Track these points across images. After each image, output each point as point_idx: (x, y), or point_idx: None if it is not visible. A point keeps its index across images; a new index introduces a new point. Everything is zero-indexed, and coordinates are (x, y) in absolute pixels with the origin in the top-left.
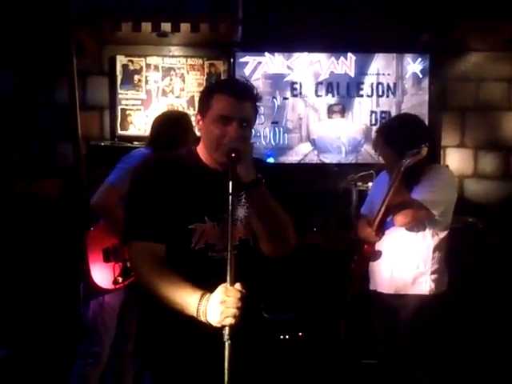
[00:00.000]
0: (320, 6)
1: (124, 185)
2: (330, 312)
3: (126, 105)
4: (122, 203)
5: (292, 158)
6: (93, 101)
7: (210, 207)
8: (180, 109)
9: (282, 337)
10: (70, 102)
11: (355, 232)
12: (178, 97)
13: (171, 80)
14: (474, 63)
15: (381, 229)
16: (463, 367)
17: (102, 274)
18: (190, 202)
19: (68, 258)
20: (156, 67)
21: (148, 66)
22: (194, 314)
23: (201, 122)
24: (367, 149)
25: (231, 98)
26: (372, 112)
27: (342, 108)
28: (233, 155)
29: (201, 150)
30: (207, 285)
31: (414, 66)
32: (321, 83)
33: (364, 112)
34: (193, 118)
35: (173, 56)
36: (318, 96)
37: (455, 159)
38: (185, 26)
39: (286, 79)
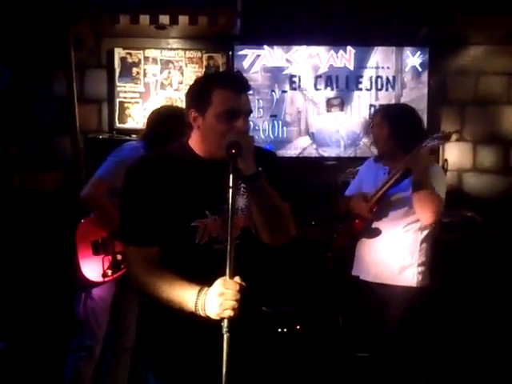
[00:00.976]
0: None
1: (114, 177)
2: (327, 305)
3: (125, 98)
4: (111, 196)
5: (291, 151)
6: (91, 94)
7: (210, 200)
8: (178, 102)
9: (279, 330)
10: (68, 95)
11: (342, 206)
12: (176, 90)
13: (169, 73)
14: (473, 57)
15: (376, 207)
16: (459, 362)
17: (91, 267)
18: (189, 199)
19: (65, 251)
20: (154, 60)
21: (146, 58)
22: (193, 309)
23: (200, 119)
24: (366, 142)
25: (234, 91)
26: (371, 105)
27: (340, 101)
28: (233, 150)
29: (194, 143)
30: (213, 277)
31: (414, 59)
32: (320, 76)
33: (363, 105)
34: None
35: (171, 49)
36: (316, 89)
37: (454, 153)
38: (183, 19)
39: (284, 72)
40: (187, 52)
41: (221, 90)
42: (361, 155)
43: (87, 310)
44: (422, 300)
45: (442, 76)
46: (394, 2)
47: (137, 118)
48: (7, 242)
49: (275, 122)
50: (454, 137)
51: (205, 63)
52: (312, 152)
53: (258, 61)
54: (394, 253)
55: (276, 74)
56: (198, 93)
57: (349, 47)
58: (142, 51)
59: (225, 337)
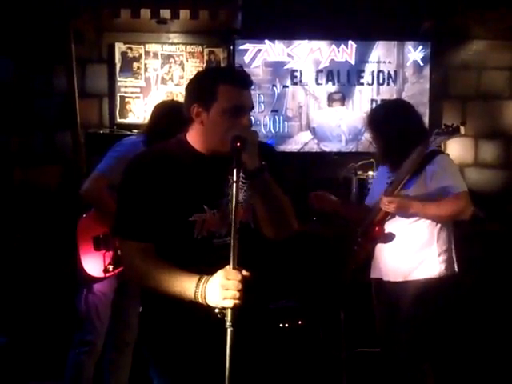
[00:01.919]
0: None
1: (114, 173)
2: (329, 300)
3: (125, 92)
4: (111, 192)
5: (292, 146)
6: (92, 88)
7: (208, 195)
8: (179, 96)
9: (281, 325)
10: (69, 89)
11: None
12: (177, 84)
13: (170, 67)
14: (475, 51)
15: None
16: (464, 357)
17: (93, 263)
18: (187, 194)
19: (67, 246)
20: (155, 55)
21: (147, 53)
22: (192, 298)
23: (204, 115)
24: (367, 137)
25: (239, 87)
26: (372, 100)
27: (342, 96)
28: (238, 143)
29: (193, 138)
30: (212, 272)
31: (415, 53)
32: (321, 71)
33: (364, 100)
34: None
35: (172, 43)
36: (318, 84)
37: (456, 148)
38: (184, 13)
39: (286, 67)
40: (188, 46)
41: (227, 85)
42: (362, 150)
43: (89, 306)
44: (445, 291)
45: (443, 70)
46: None
47: (138, 112)
48: (8, 236)
49: (276, 116)
50: (462, 129)
51: (206, 58)
52: (313, 147)
53: (259, 55)
54: (412, 247)
55: (277, 69)
56: (203, 88)
57: (350, 41)
58: (142, 46)
59: (228, 331)
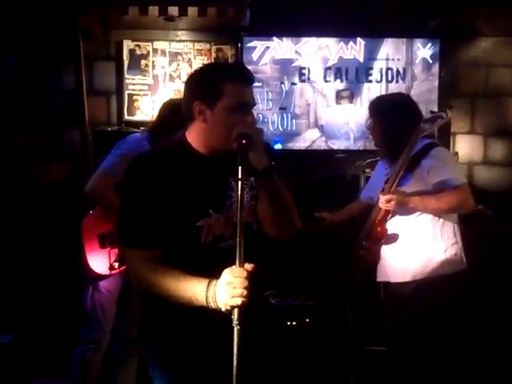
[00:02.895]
0: None
1: (118, 171)
2: (336, 298)
3: (133, 90)
4: (116, 190)
5: (300, 144)
6: (100, 86)
7: (212, 199)
8: None
9: (288, 323)
10: (77, 87)
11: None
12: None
13: (178, 65)
14: (484, 49)
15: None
16: (471, 358)
17: (98, 260)
18: (193, 199)
19: (73, 244)
20: (163, 52)
21: (155, 50)
22: (204, 303)
23: (207, 112)
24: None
25: (244, 84)
26: None
27: (350, 94)
28: (244, 141)
29: (193, 137)
30: (219, 276)
31: (424, 51)
32: (329, 68)
33: (373, 98)
34: None
35: (180, 41)
36: (326, 81)
37: (465, 146)
38: (192, 10)
39: (294, 64)
40: (196, 44)
41: (232, 82)
42: (370, 148)
43: (94, 303)
44: (457, 287)
45: (452, 68)
46: None
47: (145, 110)
48: (15, 234)
49: (284, 114)
50: (449, 112)
51: (214, 55)
52: (321, 145)
53: (267, 53)
54: (416, 245)
55: (285, 66)
56: (206, 85)
57: (359, 39)
58: (150, 43)
59: (235, 329)
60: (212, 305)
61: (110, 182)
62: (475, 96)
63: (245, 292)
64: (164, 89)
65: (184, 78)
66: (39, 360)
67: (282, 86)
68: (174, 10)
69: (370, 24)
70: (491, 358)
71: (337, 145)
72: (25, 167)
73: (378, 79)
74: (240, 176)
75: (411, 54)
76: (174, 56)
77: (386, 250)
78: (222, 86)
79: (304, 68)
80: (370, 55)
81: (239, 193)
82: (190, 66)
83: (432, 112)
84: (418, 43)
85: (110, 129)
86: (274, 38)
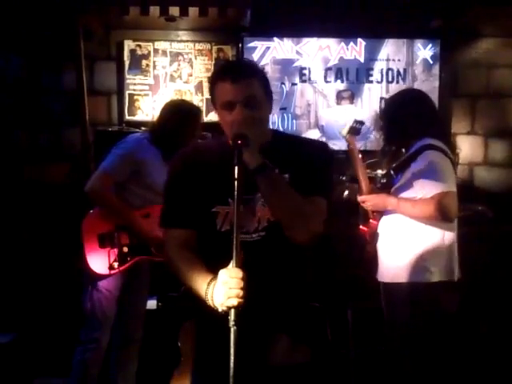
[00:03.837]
0: None
1: (118, 171)
2: (337, 299)
3: (134, 90)
4: (116, 190)
5: None
6: (100, 86)
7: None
8: (188, 94)
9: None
10: (78, 87)
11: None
12: (185, 82)
13: (179, 65)
14: (485, 49)
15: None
16: (471, 357)
17: (98, 260)
18: (213, 186)
19: (73, 243)
20: (164, 52)
21: (156, 50)
22: (204, 299)
23: (216, 113)
24: (376, 136)
25: (227, 82)
26: (381, 98)
27: (351, 94)
28: (239, 141)
29: None
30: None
31: (425, 51)
32: (330, 69)
33: (373, 98)
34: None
35: (181, 41)
36: (326, 82)
37: (465, 146)
38: (193, 11)
39: (294, 65)
40: (197, 44)
41: (220, 82)
42: (371, 149)
43: (94, 302)
44: (436, 298)
45: (453, 69)
46: None
47: (146, 110)
48: (16, 233)
49: (285, 114)
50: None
51: (214, 55)
52: None
53: (267, 53)
54: (400, 247)
55: (286, 67)
56: (210, 88)
57: (359, 39)
58: (151, 43)
59: (232, 330)
60: (210, 303)
61: (110, 181)
62: (476, 97)
63: (241, 293)
64: (165, 89)
65: (185, 78)
66: (39, 360)
67: (283, 86)
68: (174, 10)
69: (370, 24)
70: (491, 358)
71: (337, 145)
72: (25, 167)
73: (379, 80)
74: (236, 176)
75: (412, 54)
76: (175, 56)
77: (379, 248)
78: (214, 86)
79: (305, 68)
80: (371, 56)
81: (236, 193)
82: (191, 66)
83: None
84: (418, 44)
85: (110, 129)
86: (275, 39)
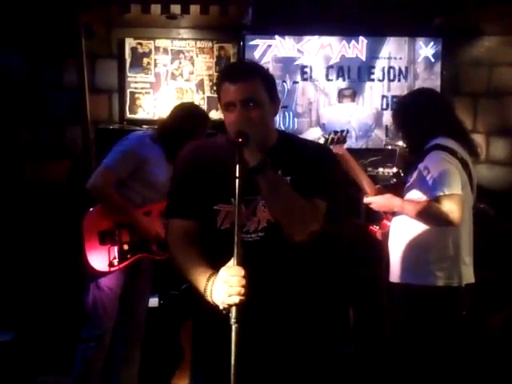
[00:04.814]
0: None
1: (120, 168)
2: (338, 299)
3: (135, 88)
4: (117, 187)
5: None
6: (101, 84)
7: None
8: (189, 92)
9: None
10: (79, 85)
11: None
12: (187, 80)
13: (180, 63)
14: (486, 48)
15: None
16: (470, 358)
17: (98, 257)
18: (217, 184)
19: (75, 241)
20: (165, 50)
21: (157, 48)
22: (203, 294)
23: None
24: (378, 134)
25: (226, 83)
26: (383, 96)
27: (352, 92)
28: (239, 139)
29: None
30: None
31: (426, 50)
32: (331, 67)
33: (375, 96)
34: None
35: (182, 39)
36: (328, 80)
37: None
38: (194, 8)
39: (296, 63)
40: (198, 42)
41: (222, 82)
42: (372, 147)
43: (95, 300)
44: (441, 304)
45: (455, 67)
46: None
47: (147, 108)
48: (17, 231)
49: (286, 112)
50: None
51: (216, 53)
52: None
53: (269, 51)
54: (408, 248)
55: (287, 65)
56: (216, 88)
57: (361, 37)
58: (152, 41)
59: (233, 327)
60: (209, 299)
61: (112, 178)
62: (477, 95)
63: (242, 290)
64: (166, 87)
65: (186, 76)
66: (41, 358)
67: (284, 84)
68: (176, 8)
69: (372, 22)
70: (491, 358)
71: None
72: (27, 165)
73: (380, 78)
74: (238, 174)
75: (413, 52)
76: (176, 54)
77: (389, 249)
78: (219, 87)
79: (306, 66)
80: (372, 54)
81: (237, 191)
82: (192, 64)
83: (335, 132)
84: (420, 42)
85: (111, 127)
86: (276, 37)
